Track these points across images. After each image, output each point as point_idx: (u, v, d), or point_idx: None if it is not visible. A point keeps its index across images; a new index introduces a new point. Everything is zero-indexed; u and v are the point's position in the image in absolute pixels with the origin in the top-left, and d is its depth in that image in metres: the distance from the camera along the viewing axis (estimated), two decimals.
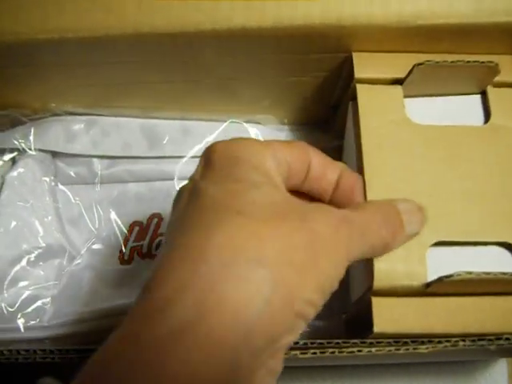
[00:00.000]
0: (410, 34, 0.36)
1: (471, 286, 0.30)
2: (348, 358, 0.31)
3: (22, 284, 0.41)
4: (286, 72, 0.41)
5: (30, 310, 0.41)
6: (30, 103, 0.44)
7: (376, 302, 0.31)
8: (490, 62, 0.35)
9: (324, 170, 0.30)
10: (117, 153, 0.45)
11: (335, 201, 0.31)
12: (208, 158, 0.28)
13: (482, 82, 0.37)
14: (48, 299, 0.42)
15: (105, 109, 0.45)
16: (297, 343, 0.31)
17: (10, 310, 0.40)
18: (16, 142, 0.44)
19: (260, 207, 0.25)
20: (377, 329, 0.30)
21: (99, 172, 0.46)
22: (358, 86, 0.36)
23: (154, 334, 0.22)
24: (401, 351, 0.30)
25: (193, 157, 0.46)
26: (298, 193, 0.31)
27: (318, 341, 0.31)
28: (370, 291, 0.31)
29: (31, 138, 0.44)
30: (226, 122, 0.47)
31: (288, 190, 0.29)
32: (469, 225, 0.32)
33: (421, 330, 0.31)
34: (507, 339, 0.31)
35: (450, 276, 0.29)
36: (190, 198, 0.27)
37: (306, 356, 0.30)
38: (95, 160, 0.46)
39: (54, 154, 0.46)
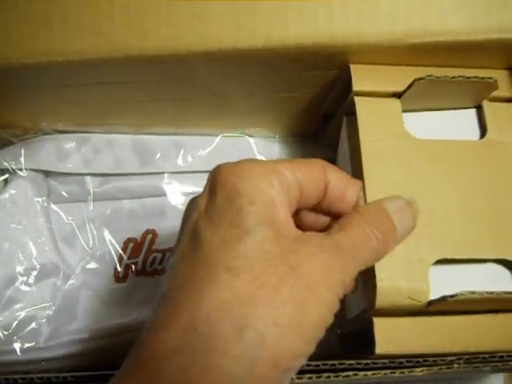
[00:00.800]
0: (403, 51, 0.36)
1: (473, 304, 0.30)
2: (344, 381, 0.31)
3: (17, 306, 0.41)
4: (277, 89, 0.41)
5: (25, 331, 0.41)
6: (21, 123, 0.44)
7: (377, 322, 0.31)
8: (490, 78, 0.35)
9: (343, 190, 0.30)
10: (109, 170, 0.45)
11: None
12: (213, 186, 0.28)
13: (478, 97, 0.37)
14: (43, 320, 0.42)
15: (96, 126, 0.45)
16: None
17: (6, 332, 0.40)
18: (6, 164, 0.43)
19: (250, 261, 0.25)
20: (379, 350, 0.31)
21: (92, 190, 0.46)
22: (356, 99, 0.36)
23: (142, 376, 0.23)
24: (396, 374, 0.30)
25: (185, 172, 0.46)
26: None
27: (314, 363, 0.31)
28: (370, 310, 0.31)
29: (22, 158, 0.43)
30: (218, 136, 0.47)
31: (302, 209, 0.30)
32: (468, 242, 0.32)
33: (423, 349, 0.31)
34: (501, 357, 0.31)
35: (455, 296, 0.29)
36: (191, 238, 0.27)
37: (301, 381, 0.30)
38: (87, 178, 0.46)
39: (47, 173, 0.45)
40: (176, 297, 0.25)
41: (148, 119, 0.44)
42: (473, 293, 0.29)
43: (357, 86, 0.36)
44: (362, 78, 0.37)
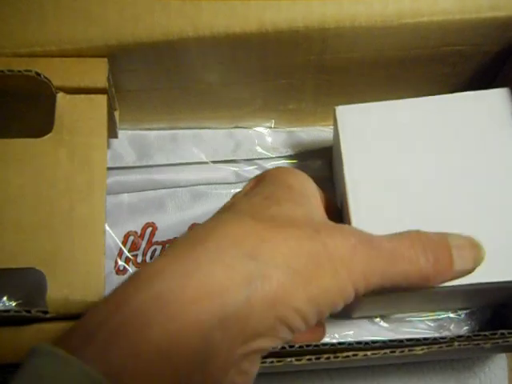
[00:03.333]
0: (395, 32, 0.36)
1: None
2: (344, 362, 0.31)
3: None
4: (273, 75, 0.40)
5: None
6: None
7: None
8: None
9: None
10: (108, 164, 0.45)
11: None
12: (262, 175, 0.31)
13: None
14: None
15: None
16: (292, 347, 0.31)
17: None
18: None
19: (277, 217, 0.26)
20: None
21: None
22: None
23: (140, 299, 0.22)
24: (396, 353, 0.30)
25: (182, 164, 0.46)
26: None
27: (314, 343, 0.31)
28: None
29: None
30: (214, 127, 0.47)
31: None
32: None
33: None
34: (502, 334, 0.30)
35: None
36: (223, 208, 0.28)
37: (300, 363, 0.30)
38: None
39: None
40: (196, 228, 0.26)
41: (144, 111, 0.44)
42: None
43: None
44: None
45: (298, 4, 0.35)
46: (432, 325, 0.43)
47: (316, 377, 0.44)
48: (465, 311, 0.43)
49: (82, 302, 0.31)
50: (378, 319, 0.43)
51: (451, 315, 0.43)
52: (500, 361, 0.43)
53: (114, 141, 0.45)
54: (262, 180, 0.30)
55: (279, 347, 0.29)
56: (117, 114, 0.42)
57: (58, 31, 0.35)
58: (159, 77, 0.39)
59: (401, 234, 0.28)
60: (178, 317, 0.22)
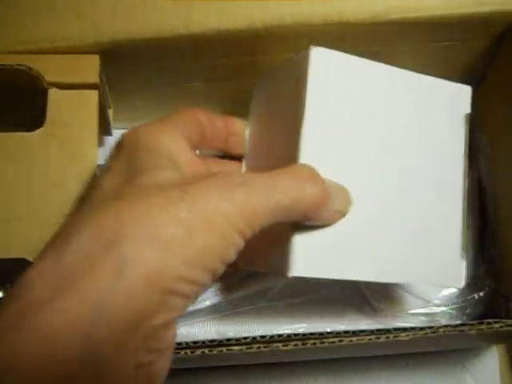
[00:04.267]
0: (382, 28, 0.37)
1: None
2: (330, 348, 0.31)
3: None
4: (264, 71, 0.41)
5: None
6: None
7: None
8: None
9: (212, 121, 0.34)
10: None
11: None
12: (116, 147, 0.30)
13: None
14: None
15: None
16: (280, 336, 0.31)
17: None
18: None
19: (142, 188, 0.25)
20: None
21: None
22: None
23: (11, 310, 0.22)
24: (381, 339, 0.30)
25: None
26: None
27: (301, 332, 0.32)
28: None
29: None
30: None
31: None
32: None
33: None
34: (488, 323, 0.31)
35: None
36: (88, 188, 0.29)
37: (287, 348, 0.30)
38: None
39: None
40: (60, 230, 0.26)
41: (138, 109, 0.44)
42: None
43: None
44: None
45: (286, 1, 0.36)
46: (424, 319, 0.43)
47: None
48: (457, 305, 0.43)
49: None
50: (369, 314, 0.43)
51: (443, 309, 0.43)
52: (491, 353, 0.43)
53: (110, 139, 0.46)
54: (121, 148, 0.29)
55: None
56: (111, 112, 0.43)
57: (53, 29, 0.36)
58: (152, 75, 0.40)
59: (284, 168, 0.28)
60: (49, 325, 0.22)
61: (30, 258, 0.31)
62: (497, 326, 0.30)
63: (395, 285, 0.43)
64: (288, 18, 0.36)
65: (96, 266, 0.22)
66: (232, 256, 0.25)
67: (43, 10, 0.36)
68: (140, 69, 0.39)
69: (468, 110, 0.35)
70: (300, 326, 0.42)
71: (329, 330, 0.42)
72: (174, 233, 0.23)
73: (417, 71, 0.42)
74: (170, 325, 0.24)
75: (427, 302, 0.43)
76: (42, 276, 0.23)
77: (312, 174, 0.28)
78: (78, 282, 0.22)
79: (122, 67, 0.39)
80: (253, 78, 0.42)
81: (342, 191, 0.30)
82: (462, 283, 0.33)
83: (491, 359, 0.43)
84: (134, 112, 0.45)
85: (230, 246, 0.25)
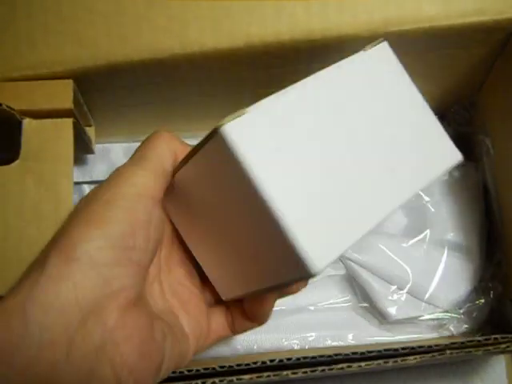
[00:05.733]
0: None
1: None
2: (340, 374, 0.31)
3: None
4: (263, 86, 0.41)
5: None
6: None
7: None
8: None
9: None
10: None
11: None
12: None
13: None
14: None
15: None
16: (290, 359, 0.32)
17: None
18: None
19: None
20: None
21: None
22: None
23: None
24: (390, 364, 0.30)
25: None
26: None
27: (311, 355, 0.32)
28: None
29: None
30: None
31: None
32: None
33: None
34: (495, 339, 0.31)
35: None
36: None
37: (296, 376, 0.30)
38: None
39: None
40: None
41: (139, 124, 0.44)
42: None
43: None
44: None
45: (283, 16, 0.36)
46: (432, 324, 0.43)
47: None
48: (464, 310, 0.43)
49: None
50: (376, 321, 0.43)
51: (451, 314, 0.43)
52: (499, 357, 0.43)
53: (109, 152, 0.46)
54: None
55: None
56: (91, 129, 0.42)
57: (49, 54, 0.36)
58: (150, 92, 0.40)
59: None
60: None
61: None
62: (503, 346, 0.30)
63: (402, 290, 0.43)
64: (285, 34, 0.36)
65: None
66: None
67: (38, 35, 0.36)
68: (139, 87, 0.39)
69: (395, 59, 0.34)
70: (309, 335, 0.43)
71: (335, 343, 0.42)
72: None
73: (419, 78, 0.42)
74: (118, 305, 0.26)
75: (435, 307, 0.43)
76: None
77: None
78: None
79: (121, 86, 0.39)
80: (253, 92, 0.41)
81: None
82: (459, 156, 0.33)
83: (499, 363, 0.43)
84: (134, 126, 0.45)
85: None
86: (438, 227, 0.45)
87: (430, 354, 0.30)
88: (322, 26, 0.36)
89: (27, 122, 0.34)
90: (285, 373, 0.30)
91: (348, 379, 0.45)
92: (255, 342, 0.43)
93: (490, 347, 0.30)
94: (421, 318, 0.43)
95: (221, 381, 0.30)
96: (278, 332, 0.43)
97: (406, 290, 0.43)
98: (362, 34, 0.36)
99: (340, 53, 0.37)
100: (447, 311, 0.43)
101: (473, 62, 0.40)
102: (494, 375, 0.43)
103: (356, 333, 0.43)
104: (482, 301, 0.43)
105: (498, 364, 0.43)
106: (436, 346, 0.31)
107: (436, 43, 0.37)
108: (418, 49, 0.38)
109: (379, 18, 0.35)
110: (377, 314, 0.44)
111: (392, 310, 0.43)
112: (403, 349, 0.31)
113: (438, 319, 0.43)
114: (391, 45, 0.37)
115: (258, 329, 0.43)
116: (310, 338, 0.43)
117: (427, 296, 0.43)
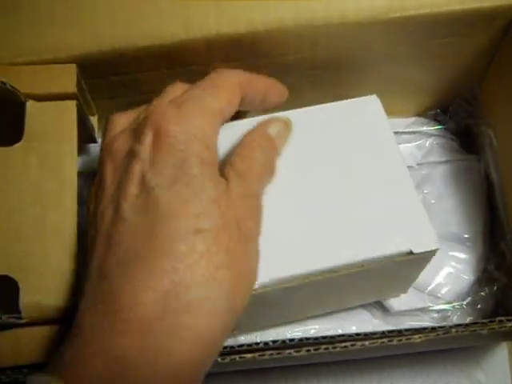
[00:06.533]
0: (384, 27, 0.37)
1: None
2: (343, 352, 0.31)
3: None
4: (265, 73, 0.41)
5: None
6: None
7: None
8: None
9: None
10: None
11: None
12: (157, 136, 0.28)
13: None
14: None
15: None
16: (292, 340, 0.31)
17: None
18: None
19: (212, 219, 0.27)
20: None
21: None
22: None
23: None
24: (394, 342, 0.30)
25: None
26: None
27: (313, 337, 0.32)
28: None
29: None
30: None
31: None
32: None
33: None
34: (500, 321, 0.31)
35: None
36: (141, 189, 0.27)
37: (299, 354, 0.30)
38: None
39: None
40: (136, 264, 0.26)
41: None
42: None
43: None
44: None
45: (286, 2, 0.36)
46: (435, 316, 0.43)
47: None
48: (468, 301, 0.43)
49: (54, 307, 0.31)
50: (379, 313, 0.43)
51: (455, 306, 0.43)
52: (501, 349, 0.43)
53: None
54: (160, 146, 0.28)
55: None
56: (95, 119, 0.42)
57: (54, 40, 0.36)
58: (154, 80, 0.40)
59: (239, 157, 0.31)
60: None
61: (11, 275, 0.31)
62: (509, 324, 0.30)
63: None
64: (288, 20, 0.36)
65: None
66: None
67: (44, 21, 0.36)
68: (143, 75, 0.39)
69: (383, 115, 0.36)
70: (312, 327, 0.42)
71: (340, 331, 0.42)
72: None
73: (420, 69, 0.42)
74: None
75: (438, 299, 0.43)
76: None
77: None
78: (190, 316, 0.25)
79: (123, 73, 0.39)
80: None
81: (287, 132, 0.35)
82: (436, 244, 0.33)
83: (501, 355, 0.43)
84: None
85: None
86: (441, 219, 0.45)
87: (434, 333, 0.30)
88: (324, 12, 0.36)
89: (31, 104, 0.34)
90: (288, 351, 0.30)
91: (348, 379, 0.44)
92: (258, 334, 0.43)
93: (495, 325, 0.30)
94: (424, 310, 0.43)
95: (223, 359, 0.30)
96: (280, 325, 0.43)
97: None
98: (365, 20, 0.36)
99: (343, 40, 0.38)
100: (450, 302, 0.43)
101: (474, 51, 0.40)
102: (495, 365, 0.42)
103: (359, 325, 0.43)
104: (486, 291, 0.43)
105: (500, 353, 0.42)
106: (440, 327, 0.31)
107: (438, 31, 0.38)
108: (420, 36, 0.38)
109: (382, 3, 0.36)
110: (379, 306, 0.44)
111: (394, 302, 0.43)
112: (407, 330, 0.31)
113: (441, 311, 0.43)
114: (393, 32, 0.37)
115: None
116: (313, 331, 0.43)
117: (430, 288, 0.43)
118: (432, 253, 0.33)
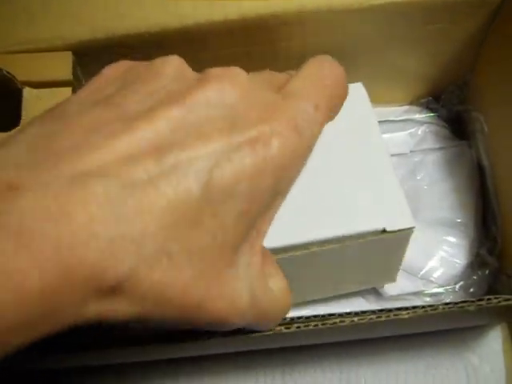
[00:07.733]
0: (373, 14, 0.37)
1: None
2: (333, 330, 0.32)
3: None
4: (257, 62, 0.41)
5: None
6: None
7: None
8: None
9: None
10: None
11: None
12: None
13: None
14: None
15: None
16: (285, 319, 0.32)
17: None
18: None
19: None
20: None
21: None
22: None
23: None
24: (382, 318, 0.31)
25: None
26: None
27: (304, 315, 0.32)
28: None
29: None
30: None
31: None
32: None
33: None
34: (488, 300, 0.31)
35: None
36: None
37: (289, 331, 0.30)
38: None
39: None
40: None
41: None
42: None
43: None
44: None
45: None
46: (428, 299, 0.43)
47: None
48: (460, 284, 0.43)
49: None
50: (373, 298, 0.43)
51: (448, 290, 0.43)
52: (494, 332, 0.43)
53: None
54: None
55: None
56: None
57: (48, 29, 0.36)
58: None
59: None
60: None
61: None
62: (495, 301, 0.31)
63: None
64: (278, 6, 0.36)
65: None
66: None
67: (37, 11, 0.37)
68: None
69: (367, 102, 0.37)
70: (304, 311, 0.43)
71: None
72: None
73: (414, 56, 0.43)
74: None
75: (431, 283, 0.43)
76: None
77: None
78: None
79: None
80: (247, 69, 0.42)
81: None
82: (411, 223, 0.34)
83: (495, 338, 0.43)
84: None
85: None
86: (433, 204, 0.45)
87: (422, 309, 0.31)
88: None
89: (28, 91, 0.35)
90: (278, 328, 0.31)
91: (344, 358, 0.45)
92: None
93: (483, 302, 0.30)
94: (417, 294, 0.43)
95: (209, 338, 0.30)
96: None
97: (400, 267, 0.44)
98: (352, 6, 0.37)
99: (332, 27, 0.38)
100: (443, 286, 0.43)
101: (463, 37, 0.41)
102: (488, 348, 0.43)
103: (352, 310, 0.43)
104: (479, 275, 0.43)
105: (494, 335, 0.43)
106: (429, 305, 0.32)
107: (425, 17, 0.38)
108: (409, 23, 0.38)
109: None
110: (373, 291, 0.44)
111: (388, 287, 0.43)
112: (396, 309, 0.32)
113: (434, 294, 0.43)
114: (383, 19, 0.38)
115: None
116: (304, 313, 0.43)
117: (423, 272, 0.44)
118: (407, 232, 0.34)
